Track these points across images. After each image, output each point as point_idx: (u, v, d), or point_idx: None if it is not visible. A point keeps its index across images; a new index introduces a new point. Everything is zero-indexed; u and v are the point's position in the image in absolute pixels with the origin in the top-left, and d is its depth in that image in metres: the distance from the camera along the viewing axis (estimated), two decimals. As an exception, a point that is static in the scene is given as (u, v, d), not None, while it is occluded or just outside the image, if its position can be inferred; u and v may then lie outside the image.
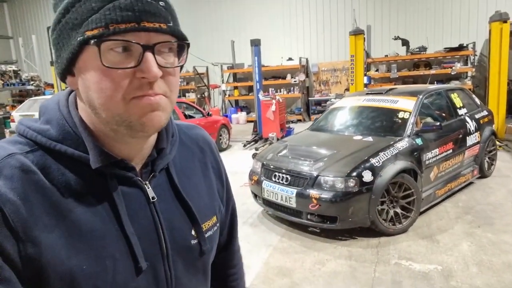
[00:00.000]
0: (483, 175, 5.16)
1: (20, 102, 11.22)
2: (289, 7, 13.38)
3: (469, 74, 10.87)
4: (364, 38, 8.95)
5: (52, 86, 13.66)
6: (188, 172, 0.76)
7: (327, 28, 13.05)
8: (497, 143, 6.87)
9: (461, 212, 4.14)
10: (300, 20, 13.34)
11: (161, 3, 0.56)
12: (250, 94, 12.98)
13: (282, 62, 12.87)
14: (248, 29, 13.55)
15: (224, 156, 7.55)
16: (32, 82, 13.91)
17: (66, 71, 0.59)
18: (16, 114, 8.83)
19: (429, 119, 4.60)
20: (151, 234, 0.65)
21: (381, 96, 4.72)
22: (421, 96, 4.47)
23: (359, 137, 4.19)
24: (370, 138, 4.08)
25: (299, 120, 12.53)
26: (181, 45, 0.60)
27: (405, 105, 4.36)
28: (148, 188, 0.66)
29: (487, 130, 5.16)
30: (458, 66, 10.83)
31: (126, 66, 0.54)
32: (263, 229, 4.02)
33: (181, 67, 0.66)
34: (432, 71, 10.92)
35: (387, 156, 3.67)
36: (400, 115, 4.29)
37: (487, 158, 5.27)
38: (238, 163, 6.83)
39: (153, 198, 0.66)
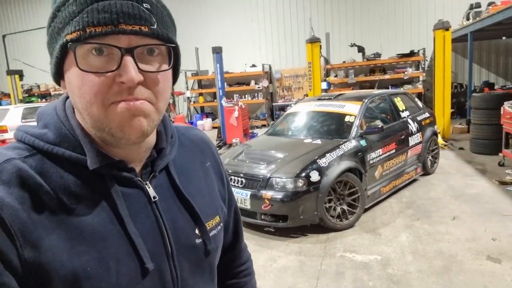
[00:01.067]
0: (426, 172, 5.58)
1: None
2: (251, 14, 13.70)
3: (421, 78, 11.57)
4: (321, 46, 9.35)
5: (8, 95, 13.20)
6: (189, 172, 0.75)
7: (288, 35, 13.47)
8: (443, 142, 7.42)
9: (404, 207, 4.49)
10: (262, 27, 13.69)
11: (145, 5, 0.55)
12: (215, 100, 13.12)
13: (246, 68, 13.12)
14: (211, 36, 13.74)
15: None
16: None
17: (57, 75, 0.59)
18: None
19: (377, 122, 4.96)
20: (154, 234, 0.64)
21: (330, 101, 5.04)
22: (365, 101, 4.82)
23: (309, 140, 4.47)
24: (319, 141, 4.37)
25: (264, 125, 12.81)
26: (172, 48, 0.59)
27: (351, 109, 4.69)
28: (149, 188, 0.65)
29: (429, 131, 5.60)
30: (410, 71, 11.50)
31: (103, 70, 0.53)
32: (220, 231, 4.19)
33: (176, 71, 0.65)
34: (387, 76, 11.55)
35: (333, 157, 3.95)
36: (346, 118, 4.61)
37: (430, 156, 5.71)
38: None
39: (154, 197, 0.65)
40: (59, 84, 0.62)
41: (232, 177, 4.09)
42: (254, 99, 13.25)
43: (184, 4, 14.26)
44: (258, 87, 12.94)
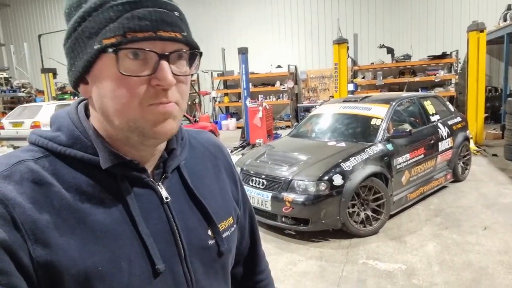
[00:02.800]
0: (457, 179, 5.35)
1: (11, 109, 11.32)
2: (278, 15, 13.65)
3: (453, 81, 11.16)
4: (348, 47, 9.18)
5: (42, 93, 13.74)
6: (200, 174, 0.76)
7: (315, 36, 13.32)
8: (475, 148, 7.11)
9: (432, 215, 4.31)
10: (289, 28, 13.60)
11: (176, 13, 0.58)
12: (240, 101, 13.14)
13: (271, 69, 13.08)
14: (238, 37, 13.79)
15: (210, 162, 7.71)
16: (23, 89, 14.01)
17: (80, 79, 0.60)
18: (5, 121, 8.90)
19: (406, 125, 4.81)
20: (166, 235, 0.64)
21: (356, 103, 4.92)
22: (393, 103, 4.66)
23: (333, 143, 4.37)
24: (343, 144, 4.26)
25: (288, 126, 12.71)
26: (193, 53, 0.62)
27: (378, 112, 4.55)
28: (161, 189, 0.66)
29: (460, 136, 5.36)
30: (442, 73, 11.13)
31: (142, 74, 0.56)
32: (241, 232, 4.17)
33: (192, 75, 0.67)
34: (417, 78, 11.21)
35: (357, 161, 3.84)
36: (373, 121, 4.48)
37: (461, 163, 5.46)
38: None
39: (166, 198, 0.66)
40: (76, 89, 0.63)
41: (254, 178, 4.05)
42: (279, 100, 13.19)
43: (211, 6, 14.38)
44: (283, 88, 12.87)
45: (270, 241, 3.88)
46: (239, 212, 0.83)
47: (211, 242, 0.70)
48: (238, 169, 4.34)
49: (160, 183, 0.67)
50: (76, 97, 15.33)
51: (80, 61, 0.58)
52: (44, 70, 12.43)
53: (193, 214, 0.70)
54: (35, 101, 12.96)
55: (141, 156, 0.64)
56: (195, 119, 8.57)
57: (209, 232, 0.71)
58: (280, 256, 3.54)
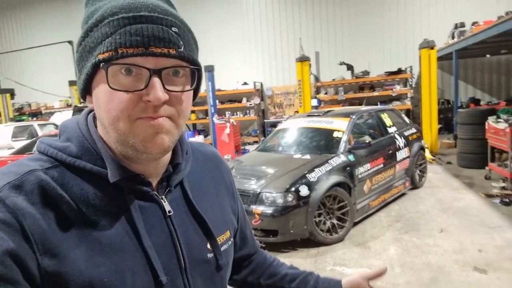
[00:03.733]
0: (415, 186, 5.68)
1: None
2: (243, 34, 13.98)
3: (408, 95, 11.83)
4: (310, 64, 9.56)
5: (0, 114, 13.14)
6: (202, 187, 0.77)
7: (279, 54, 13.74)
8: (431, 157, 7.56)
9: (393, 220, 4.55)
10: (253, 46, 13.95)
11: (173, 29, 0.58)
12: (207, 117, 13.21)
13: (238, 86, 13.29)
14: (204, 55, 13.92)
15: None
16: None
17: (85, 91, 0.63)
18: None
19: (365, 137, 5.07)
20: (168, 248, 0.66)
21: (319, 117, 5.16)
22: (353, 117, 4.94)
23: (298, 156, 4.55)
24: (308, 156, 4.45)
25: (256, 142, 12.88)
26: (195, 69, 0.62)
27: (339, 125, 4.80)
28: (165, 202, 0.67)
29: (416, 146, 5.72)
30: (398, 88, 11.77)
31: (132, 89, 0.56)
32: (211, 246, 4.20)
33: (196, 91, 0.67)
34: (375, 93, 11.79)
35: (322, 172, 4.03)
36: (335, 134, 4.71)
37: (417, 171, 5.81)
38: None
39: (169, 212, 0.67)
40: (84, 99, 0.65)
41: (223, 193, 4.12)
42: (246, 116, 13.37)
43: (177, 24, 14.49)
44: (250, 104, 13.09)
45: (241, 254, 3.94)
46: (235, 226, 0.85)
47: (210, 255, 0.72)
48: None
49: (163, 197, 0.68)
50: (35, 118, 14.77)
51: (83, 74, 0.60)
52: (1, 91, 11.97)
53: (193, 228, 0.71)
54: None
55: (145, 169, 0.65)
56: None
57: (208, 246, 0.72)
58: (251, 268, 3.61)
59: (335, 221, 4.04)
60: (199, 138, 13.38)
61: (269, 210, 3.74)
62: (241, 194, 3.87)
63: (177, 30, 0.59)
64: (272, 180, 4.00)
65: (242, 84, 13.24)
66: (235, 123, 9.25)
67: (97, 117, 0.63)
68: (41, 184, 0.57)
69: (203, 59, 13.08)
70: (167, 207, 0.67)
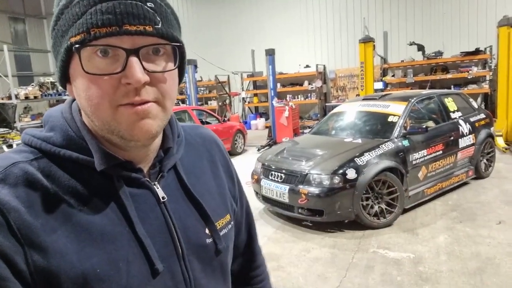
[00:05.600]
0: (479, 176, 5.35)
1: (57, 111, 12.16)
2: (306, 16, 13.81)
3: (487, 77, 10.85)
4: (374, 45, 9.21)
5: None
6: (197, 171, 0.75)
7: (344, 35, 13.36)
8: (504, 145, 6.98)
9: (448, 210, 4.40)
10: (317, 28, 13.73)
11: (148, 4, 0.54)
12: (268, 101, 13.46)
13: (300, 69, 13.27)
14: (267, 38, 14.09)
15: (238, 160, 8.05)
16: (67, 93, 15.03)
17: (64, 79, 0.58)
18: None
19: (429, 123, 4.90)
20: (164, 235, 0.64)
21: (375, 101, 5.07)
22: (411, 101, 4.78)
23: (350, 139, 4.56)
24: (359, 140, 4.45)
25: (316, 125, 12.85)
26: (178, 47, 0.58)
27: (396, 109, 4.69)
28: (158, 188, 0.65)
29: (483, 133, 5.35)
30: (475, 70, 10.84)
31: (109, 72, 0.53)
32: (261, 222, 4.46)
33: (181, 71, 0.63)
34: (449, 75, 11.00)
35: (371, 156, 4.02)
36: (390, 118, 4.62)
37: (484, 159, 5.45)
38: (250, 166, 7.28)
39: (163, 198, 0.65)
40: (65, 88, 0.61)
41: (273, 172, 4.33)
42: (307, 99, 13.35)
43: (241, 9, 14.79)
44: (312, 88, 13.01)
45: (287, 231, 4.15)
46: (235, 208, 0.83)
47: (208, 240, 0.70)
48: (260, 164, 4.64)
49: (156, 183, 0.66)
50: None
51: (58, 61, 0.57)
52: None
53: (190, 212, 0.69)
54: (60, 94, 13.89)
55: (134, 155, 0.63)
56: (224, 119, 8.94)
57: (207, 231, 0.70)
58: (296, 244, 3.80)
59: (383, 206, 4.04)
60: (260, 121, 13.73)
61: (315, 191, 3.87)
62: (289, 174, 4.10)
63: (152, 5, 0.55)
64: (321, 162, 4.10)
65: (304, 67, 13.19)
66: (294, 107, 9.34)
67: (79, 106, 0.60)
68: (26, 176, 0.55)
69: (266, 42, 13.25)
70: (160, 193, 0.66)
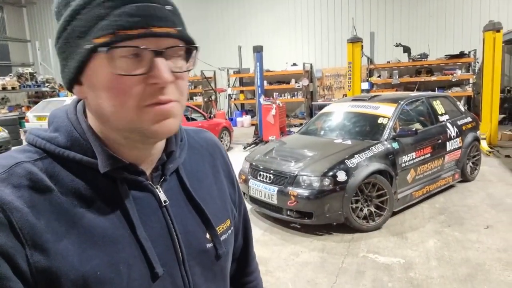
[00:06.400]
0: (465, 179, 5.38)
1: (36, 103, 11.83)
2: (295, 13, 13.73)
3: (470, 80, 11.03)
4: (362, 45, 9.21)
5: (66, 88, 14.24)
6: (199, 175, 0.75)
7: (331, 34, 13.35)
8: (488, 149, 7.07)
9: (436, 213, 4.39)
10: (305, 26, 13.68)
11: (167, 7, 0.55)
12: (255, 98, 13.33)
13: (287, 67, 13.20)
14: (254, 35, 13.96)
15: (223, 157, 7.91)
16: (47, 84, 14.57)
17: (74, 80, 0.58)
18: (30, 115, 9.35)
19: (413, 125, 4.89)
20: (165, 239, 0.64)
21: (364, 102, 5.02)
22: (401, 103, 4.75)
23: (339, 141, 4.50)
24: (349, 142, 4.38)
25: (302, 124, 12.81)
26: (189, 49, 0.59)
27: (385, 111, 4.65)
28: (160, 192, 0.65)
29: (470, 136, 5.39)
30: (459, 73, 11.01)
31: (137, 73, 0.54)
32: (248, 224, 4.35)
33: (189, 71, 0.65)
34: (433, 78, 11.13)
35: (361, 158, 3.96)
36: (380, 120, 4.58)
37: (470, 163, 5.49)
38: (236, 164, 7.15)
39: (165, 201, 0.65)
40: (71, 90, 0.60)
41: (262, 173, 4.23)
42: (293, 97, 13.30)
43: (229, 4, 14.59)
44: (298, 86, 12.97)
45: (276, 233, 4.05)
46: (235, 214, 0.83)
47: (209, 245, 0.70)
48: (248, 164, 4.52)
49: (158, 186, 0.66)
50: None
51: (72, 61, 0.56)
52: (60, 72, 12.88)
53: (191, 217, 0.69)
54: (58, 95, 13.49)
55: (138, 156, 0.63)
56: (210, 116, 8.78)
57: (207, 235, 0.70)
58: (284, 247, 3.71)
59: (372, 209, 3.99)
60: (246, 118, 13.61)
61: (305, 193, 3.78)
62: (278, 175, 3.99)
63: (171, 8, 0.56)
64: (310, 163, 4.02)
65: (291, 65, 13.14)
66: (281, 105, 9.25)
67: (92, 107, 0.59)
68: (29, 176, 0.55)
69: (253, 39, 13.11)
70: (162, 196, 0.65)
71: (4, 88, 13.45)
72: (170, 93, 0.57)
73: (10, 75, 14.11)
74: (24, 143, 0.63)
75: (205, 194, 0.73)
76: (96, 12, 0.53)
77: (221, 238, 0.72)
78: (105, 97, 0.55)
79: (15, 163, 0.56)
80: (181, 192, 0.70)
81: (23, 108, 14.41)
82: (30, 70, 14.65)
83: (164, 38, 0.55)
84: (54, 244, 0.53)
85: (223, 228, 0.74)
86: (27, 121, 9.30)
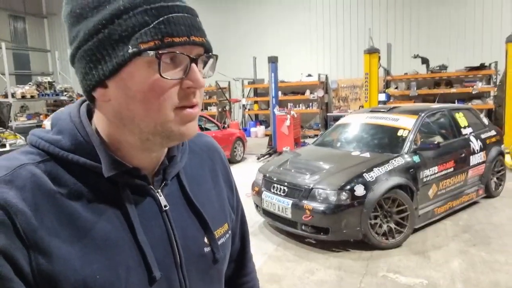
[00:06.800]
0: (489, 195, 5.12)
1: (54, 111, 11.99)
2: (310, 24, 13.67)
3: (491, 93, 10.70)
4: (380, 56, 9.05)
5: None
6: (199, 180, 0.76)
7: (347, 45, 13.21)
8: (512, 163, 6.76)
9: (460, 231, 4.16)
10: (320, 37, 13.59)
11: (198, 19, 0.60)
12: (269, 108, 13.24)
13: (302, 78, 13.09)
14: (269, 46, 13.91)
15: (237, 168, 7.80)
16: (65, 93, 14.80)
17: (100, 83, 0.58)
18: (47, 123, 9.46)
19: (435, 138, 4.68)
20: (164, 243, 0.65)
21: (383, 114, 4.85)
22: (422, 115, 4.56)
23: (357, 153, 4.33)
24: (367, 154, 4.21)
25: (316, 135, 12.62)
26: (209, 57, 0.64)
27: (405, 123, 4.47)
28: (160, 196, 0.66)
29: (494, 150, 5.14)
30: (480, 85, 10.71)
31: (177, 77, 0.57)
32: (261, 238, 4.20)
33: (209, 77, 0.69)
34: (453, 90, 10.85)
35: (381, 172, 3.78)
36: (400, 133, 4.39)
37: (494, 178, 5.23)
38: (249, 175, 7.02)
39: (165, 206, 0.66)
40: (90, 92, 0.59)
41: (275, 185, 4.08)
42: (308, 108, 13.16)
43: (243, 14, 14.65)
44: (313, 97, 12.84)
45: (290, 248, 3.89)
46: (233, 217, 0.84)
47: (206, 249, 0.71)
48: (261, 176, 4.39)
49: (159, 191, 0.67)
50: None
51: (105, 64, 0.56)
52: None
53: (191, 221, 0.70)
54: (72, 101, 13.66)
55: (143, 160, 0.64)
56: (224, 126, 8.71)
57: (205, 239, 0.71)
58: (299, 264, 3.54)
59: (392, 225, 3.79)
60: (260, 129, 13.51)
61: (321, 207, 3.62)
62: (293, 188, 3.84)
63: (199, 20, 0.60)
64: (327, 176, 3.86)
65: (306, 76, 13.02)
66: (295, 115, 9.12)
67: (114, 110, 0.59)
68: (33, 179, 0.55)
69: (268, 50, 13.08)
70: (163, 201, 0.66)
71: (23, 97, 13.71)
72: (198, 97, 0.60)
73: (30, 84, 14.41)
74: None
75: (204, 199, 0.74)
76: (141, 18, 0.55)
77: (219, 242, 0.73)
78: (140, 100, 0.57)
79: (19, 165, 0.56)
80: (181, 197, 0.71)
81: (41, 116, 14.65)
82: (49, 79, 14.92)
83: (196, 46, 0.59)
84: (57, 248, 0.54)
85: (221, 232, 0.75)
86: (44, 128, 9.40)
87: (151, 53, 0.54)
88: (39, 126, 11.21)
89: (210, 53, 0.62)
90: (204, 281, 0.71)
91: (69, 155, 0.59)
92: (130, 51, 0.54)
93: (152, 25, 0.54)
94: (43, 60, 19.63)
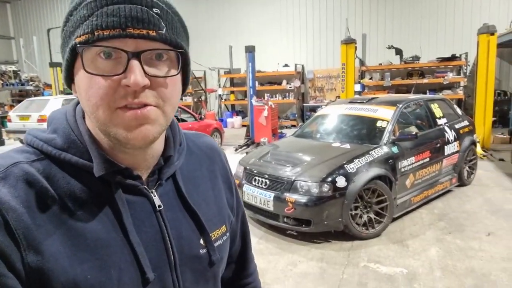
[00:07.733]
0: (462, 183, 5.30)
1: (20, 102, 11.42)
2: (286, 14, 13.60)
3: (462, 83, 11.05)
4: (356, 47, 9.12)
5: (50, 86, 13.86)
6: (196, 181, 0.74)
7: (323, 35, 13.25)
8: (482, 152, 7.03)
9: (435, 219, 4.28)
10: (297, 27, 13.55)
11: (154, 10, 0.54)
12: (246, 99, 13.14)
13: (278, 68, 13.05)
14: (245, 35, 13.77)
15: (214, 160, 7.70)
16: (31, 83, 14.11)
17: (69, 78, 0.59)
18: (13, 114, 8.98)
19: (412, 128, 4.77)
20: (158, 244, 0.64)
21: (362, 105, 4.88)
22: (400, 106, 4.63)
23: (337, 144, 4.35)
24: (347, 146, 4.24)
25: (293, 126, 12.68)
26: (181, 54, 0.58)
27: (384, 114, 4.52)
28: (155, 196, 0.65)
29: (467, 140, 5.31)
30: (451, 76, 11.02)
31: (110, 74, 0.53)
32: (242, 231, 4.16)
33: (185, 78, 0.64)
34: (425, 80, 11.12)
35: (361, 163, 3.82)
36: (379, 123, 4.44)
37: (466, 167, 5.41)
38: (227, 167, 6.96)
39: (159, 206, 0.65)
40: (70, 88, 0.61)
41: (257, 178, 4.05)
42: (285, 99, 13.16)
43: (220, 3, 14.37)
44: (290, 87, 12.84)
45: (272, 241, 3.88)
46: (232, 220, 0.82)
47: (202, 251, 0.70)
48: (242, 168, 4.34)
49: (153, 191, 0.65)
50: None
51: (63, 60, 0.58)
52: (52, 64, 12.54)
53: (186, 222, 0.69)
54: (42, 94, 13.07)
55: (133, 161, 0.63)
56: (201, 117, 8.56)
57: (201, 241, 0.70)
58: (281, 257, 3.53)
59: (372, 216, 3.85)
60: (237, 119, 13.42)
61: (303, 199, 3.62)
62: (275, 180, 3.81)
63: (158, 12, 0.55)
64: (308, 168, 3.85)
65: (283, 66, 12.99)
66: (273, 106, 9.09)
67: (81, 106, 0.59)
68: (26, 177, 0.55)
69: (245, 39, 12.92)
70: (157, 201, 0.65)
71: (-15, 86, 12.99)
72: (145, 97, 0.55)
73: (-8, 73, 13.62)
74: (16, 143, 0.58)
75: (200, 199, 0.72)
76: (82, 12, 0.53)
77: (215, 244, 0.72)
78: (84, 97, 0.56)
79: (13, 163, 0.56)
80: (177, 197, 0.69)
81: (5, 107, 13.93)
82: (13, 68, 14.17)
83: (144, 41, 0.53)
84: (48, 246, 0.53)
85: (218, 234, 0.73)
86: (9, 120, 8.92)
87: (81, 48, 0.53)
88: (4, 117, 10.63)
89: (166, 49, 0.56)
90: (199, 283, 0.70)
91: (62, 154, 0.59)
92: (69, 46, 0.55)
93: (88, 19, 0.53)
94: (7, 48, 18.62)
